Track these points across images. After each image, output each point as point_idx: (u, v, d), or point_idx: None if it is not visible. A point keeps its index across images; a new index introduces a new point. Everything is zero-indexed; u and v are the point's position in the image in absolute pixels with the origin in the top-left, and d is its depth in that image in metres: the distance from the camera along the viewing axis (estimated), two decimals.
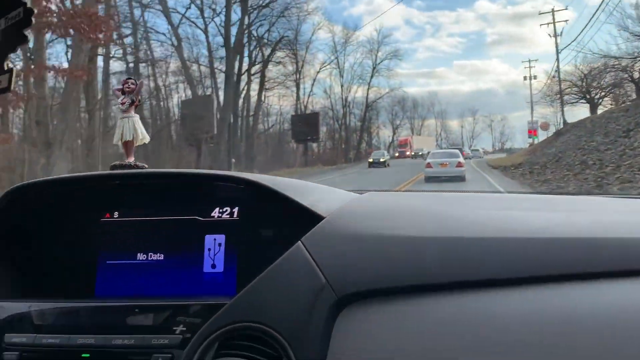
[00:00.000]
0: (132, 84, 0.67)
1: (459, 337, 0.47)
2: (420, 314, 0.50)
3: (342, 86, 35.20)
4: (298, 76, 28.39)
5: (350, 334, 0.50)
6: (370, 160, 27.14)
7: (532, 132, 44.75)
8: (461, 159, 13.92)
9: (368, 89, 38.97)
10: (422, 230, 0.57)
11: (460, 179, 12.84)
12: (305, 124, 26.53)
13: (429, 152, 16.99)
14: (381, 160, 27.09)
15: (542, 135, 38.68)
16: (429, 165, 13.82)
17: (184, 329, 0.54)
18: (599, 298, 0.49)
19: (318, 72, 31.25)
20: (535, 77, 37.42)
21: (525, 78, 37.37)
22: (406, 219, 0.59)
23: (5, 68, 0.44)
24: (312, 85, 31.88)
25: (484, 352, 0.46)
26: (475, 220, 0.60)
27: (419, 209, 0.62)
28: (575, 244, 0.55)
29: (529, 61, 37.86)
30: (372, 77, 38.02)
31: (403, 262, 0.53)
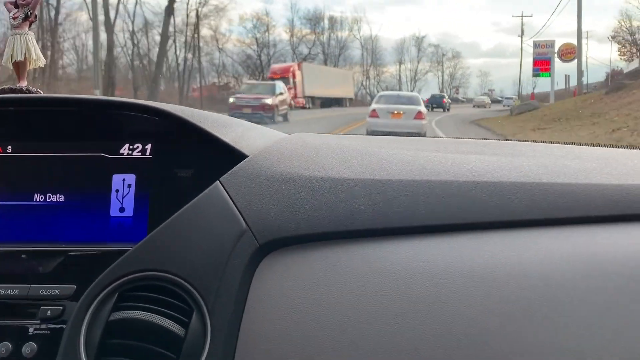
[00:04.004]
0: None
1: (389, 286, 0.58)
2: (349, 261, 0.60)
3: None
4: None
5: (273, 283, 0.59)
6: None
7: (541, 65, 30.56)
8: (422, 108, 12.11)
9: None
10: (353, 172, 0.68)
11: (419, 136, 10.47)
12: None
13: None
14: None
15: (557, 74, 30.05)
16: (374, 114, 11.79)
17: (81, 278, 0.62)
18: (540, 246, 0.61)
19: None
20: None
21: None
22: (337, 159, 0.71)
23: None
24: None
25: (415, 301, 0.56)
26: (411, 162, 0.72)
27: (352, 150, 0.76)
28: (518, 189, 0.66)
29: None
30: None
31: (333, 206, 0.63)
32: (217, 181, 0.64)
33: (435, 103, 39.17)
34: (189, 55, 36.95)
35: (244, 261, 0.58)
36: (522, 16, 41.33)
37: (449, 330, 0.54)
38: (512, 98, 41.28)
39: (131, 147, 0.73)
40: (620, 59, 56.50)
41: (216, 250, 0.59)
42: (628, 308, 0.55)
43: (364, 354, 0.54)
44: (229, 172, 0.66)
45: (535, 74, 29.29)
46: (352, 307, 0.56)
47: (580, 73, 24.90)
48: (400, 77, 60.79)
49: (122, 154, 0.72)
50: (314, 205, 0.63)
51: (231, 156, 0.68)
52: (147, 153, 0.73)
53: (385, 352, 0.54)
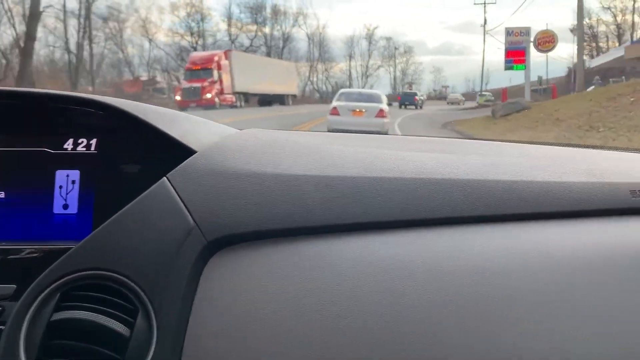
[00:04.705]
0: None
1: (337, 282, 0.61)
2: (298, 258, 0.63)
3: None
4: None
5: (222, 281, 0.62)
6: None
7: (515, 56, 26.56)
8: (383, 106, 12.08)
9: None
10: (304, 168, 0.71)
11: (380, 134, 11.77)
12: None
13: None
14: None
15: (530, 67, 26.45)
16: (334, 112, 11.78)
17: (21, 278, 0.63)
18: (487, 242, 0.65)
19: None
20: None
21: None
22: (288, 156, 0.74)
23: None
24: None
25: (362, 297, 0.60)
26: (362, 159, 0.75)
27: (303, 146, 0.79)
28: (465, 186, 0.70)
29: None
30: None
31: (282, 203, 0.66)
32: (164, 177, 0.65)
33: (407, 101, 40.41)
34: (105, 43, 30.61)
35: (191, 259, 0.59)
36: (484, 3, 37.53)
37: (397, 326, 0.58)
38: (485, 95, 38.65)
39: (75, 142, 0.73)
40: None
41: (162, 247, 0.59)
42: (572, 301, 0.60)
43: (314, 352, 0.57)
44: (176, 168, 0.66)
45: (508, 67, 25.41)
46: (301, 304, 0.59)
47: (581, 63, 20.71)
48: (350, 72, 56.28)
49: (66, 149, 0.72)
50: (263, 202, 0.64)
51: (179, 152, 0.69)
52: (92, 148, 0.73)
53: (333, 347, 0.57)
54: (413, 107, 39.77)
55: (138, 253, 0.58)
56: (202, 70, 29.05)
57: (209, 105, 26.60)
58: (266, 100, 36.08)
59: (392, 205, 0.65)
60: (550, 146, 0.95)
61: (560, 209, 0.70)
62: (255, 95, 35.11)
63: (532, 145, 0.95)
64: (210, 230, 0.60)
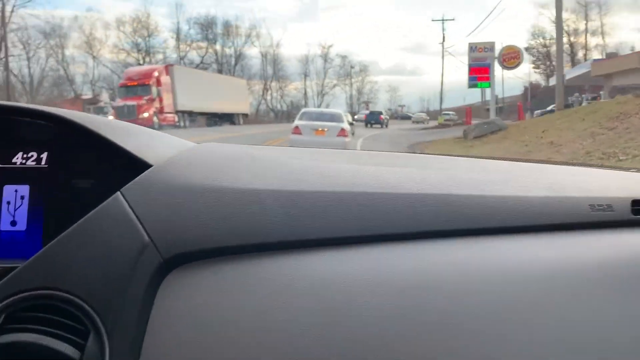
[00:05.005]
0: None
1: (300, 300, 0.60)
2: (259, 275, 0.63)
3: None
4: None
5: (179, 301, 0.60)
6: None
7: (479, 73, 24.81)
8: (345, 125, 12.42)
9: None
10: (265, 182, 0.70)
11: None
12: None
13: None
14: None
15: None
16: (297, 131, 12.10)
17: None
18: (449, 256, 0.65)
19: None
20: None
21: None
22: (248, 170, 0.73)
23: None
24: None
25: (327, 314, 0.60)
26: (324, 173, 0.75)
27: (264, 161, 0.78)
28: (427, 200, 0.70)
29: None
30: None
31: (243, 218, 0.65)
32: (118, 192, 0.63)
33: (373, 120, 42.20)
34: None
35: (146, 277, 0.58)
36: (443, 20, 36.77)
37: (362, 343, 0.57)
38: (449, 114, 38.58)
39: (25, 155, 0.71)
40: (535, 72, 54.15)
41: (115, 265, 0.57)
42: (532, 315, 0.61)
43: None
44: (130, 182, 0.65)
45: (472, 85, 24.24)
46: (262, 323, 0.58)
47: (561, 78, 19.33)
48: (306, 90, 54.55)
49: (15, 163, 0.71)
50: (222, 217, 0.63)
51: (134, 166, 0.67)
52: (43, 162, 0.71)
53: None
54: (379, 125, 42.29)
55: (89, 271, 0.56)
56: (139, 86, 26.48)
57: (147, 126, 24.01)
58: (214, 119, 33.65)
59: (355, 221, 0.65)
60: (510, 161, 0.96)
61: (521, 224, 0.70)
62: (201, 114, 32.65)
63: (493, 160, 0.95)
64: (166, 247, 0.58)
